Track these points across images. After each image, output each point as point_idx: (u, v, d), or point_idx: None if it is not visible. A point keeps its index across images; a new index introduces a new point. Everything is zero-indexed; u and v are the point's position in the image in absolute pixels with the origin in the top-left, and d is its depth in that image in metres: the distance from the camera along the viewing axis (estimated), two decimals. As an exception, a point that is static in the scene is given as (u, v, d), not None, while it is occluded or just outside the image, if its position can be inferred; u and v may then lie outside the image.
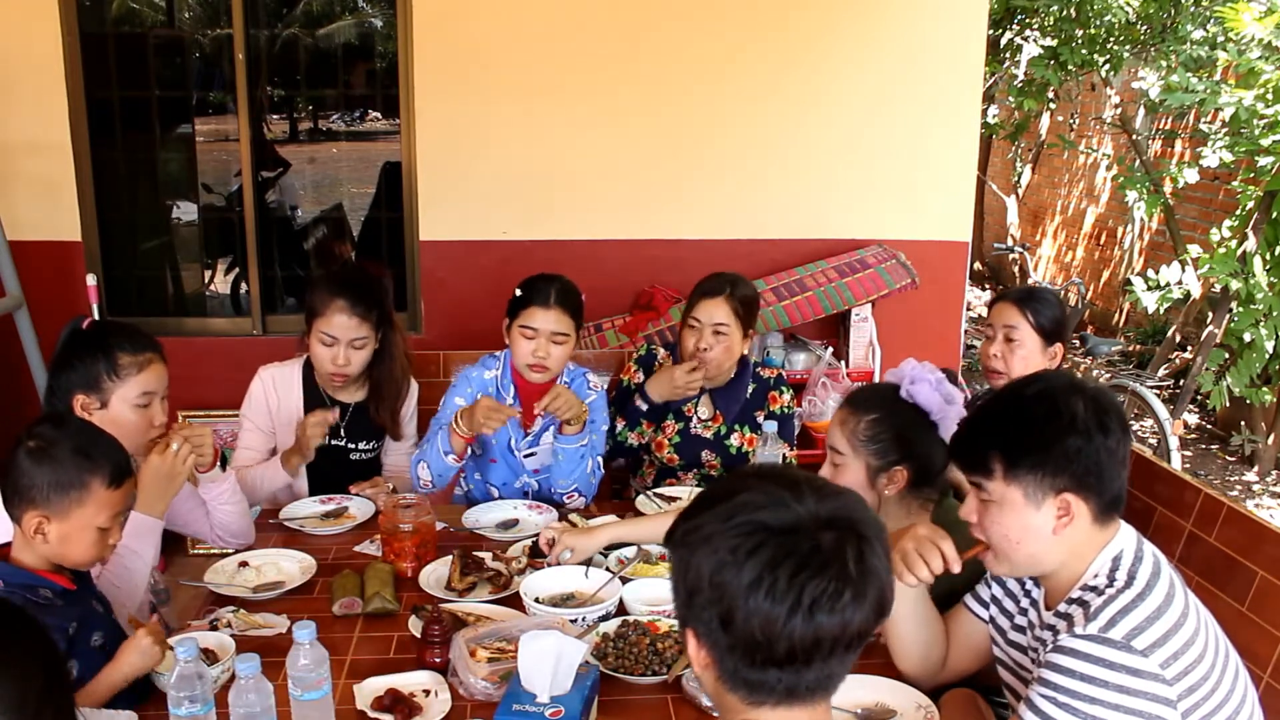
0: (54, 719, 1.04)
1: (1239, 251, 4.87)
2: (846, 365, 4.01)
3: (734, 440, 2.84)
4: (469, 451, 2.71)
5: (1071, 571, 1.55)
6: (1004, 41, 6.98)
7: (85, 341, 2.13)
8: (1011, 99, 7.08)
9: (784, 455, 2.60)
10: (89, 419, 2.07)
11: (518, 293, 2.59)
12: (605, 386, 2.82)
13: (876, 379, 4.01)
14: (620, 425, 2.82)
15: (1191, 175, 5.57)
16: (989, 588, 1.79)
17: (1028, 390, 1.57)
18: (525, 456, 2.70)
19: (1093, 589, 1.52)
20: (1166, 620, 1.43)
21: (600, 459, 2.68)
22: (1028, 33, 6.82)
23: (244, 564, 2.25)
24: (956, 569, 1.65)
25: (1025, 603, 1.70)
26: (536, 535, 2.40)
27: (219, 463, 2.25)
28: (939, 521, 1.97)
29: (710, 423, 2.84)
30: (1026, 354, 2.55)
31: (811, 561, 1.05)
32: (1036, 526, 1.52)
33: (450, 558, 2.19)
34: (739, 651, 1.08)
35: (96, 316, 3.81)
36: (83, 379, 2.10)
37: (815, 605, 1.05)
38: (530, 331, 2.54)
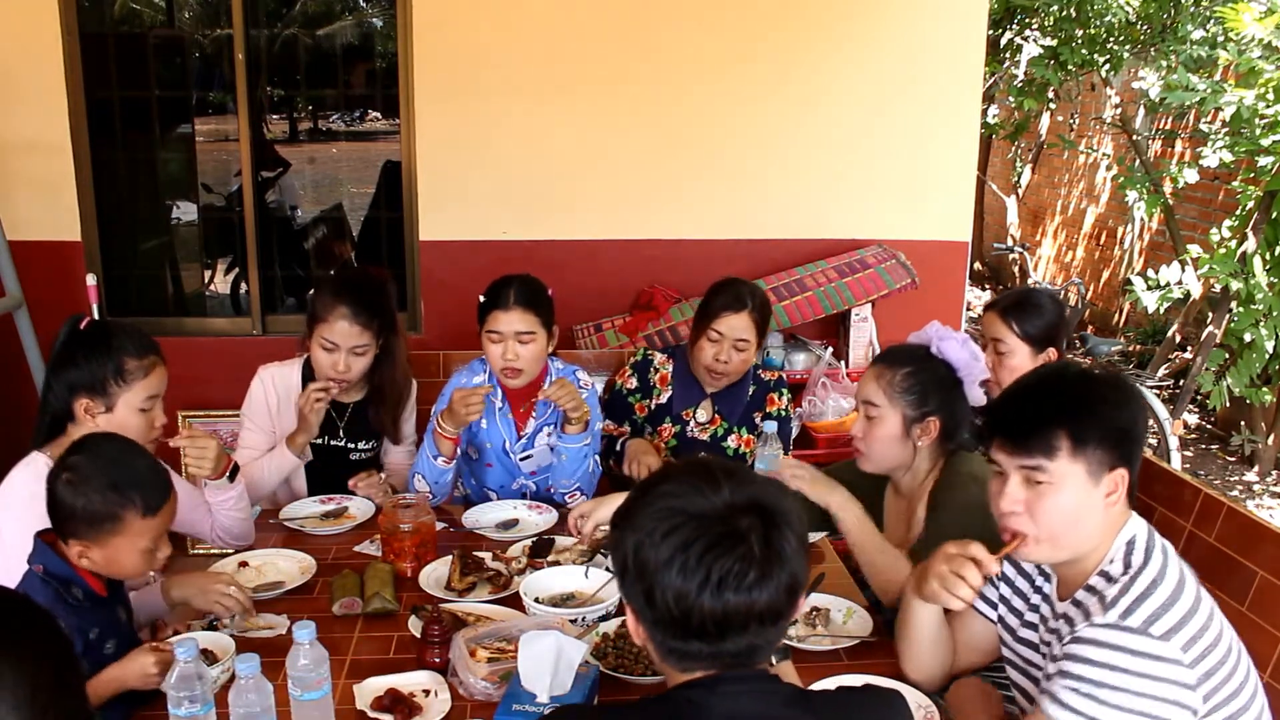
0: (60, 717, 1.03)
1: (1239, 251, 4.87)
2: (846, 365, 4.01)
3: (731, 442, 2.84)
4: (467, 455, 2.71)
5: (1089, 559, 1.56)
6: (1004, 41, 6.98)
7: (88, 343, 2.10)
8: (1011, 99, 7.08)
9: (780, 457, 2.59)
10: (92, 423, 2.07)
11: (481, 299, 2.58)
12: (598, 386, 2.82)
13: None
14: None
15: (1191, 175, 5.57)
16: (995, 588, 1.79)
17: (1068, 372, 1.60)
18: (521, 459, 2.70)
19: (1106, 575, 1.53)
20: (1181, 605, 1.44)
21: (597, 458, 2.68)
22: (1028, 33, 6.82)
23: (244, 564, 2.24)
24: (996, 569, 1.63)
25: (1036, 599, 1.70)
26: (537, 535, 2.41)
27: (230, 472, 2.25)
28: (951, 521, 1.98)
29: (708, 425, 2.84)
30: (1017, 364, 2.55)
31: (721, 543, 1.15)
32: (1091, 506, 1.52)
33: (450, 558, 2.19)
34: (663, 625, 1.19)
35: (96, 316, 3.82)
36: (87, 383, 2.07)
37: (723, 583, 1.14)
38: (496, 335, 2.53)
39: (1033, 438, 1.52)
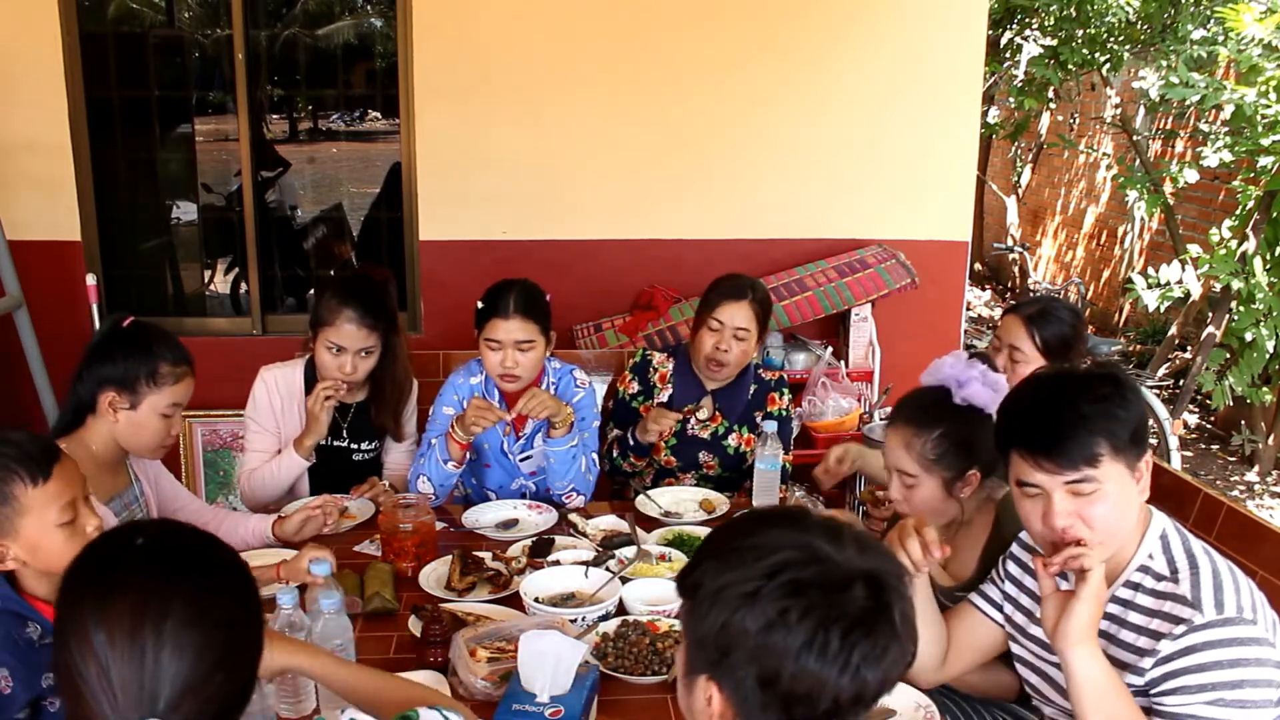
0: (229, 678, 1.07)
1: (1239, 251, 4.88)
2: (846, 365, 4.01)
3: (732, 440, 2.84)
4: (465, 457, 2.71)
5: (1123, 552, 1.57)
6: (1004, 41, 6.98)
7: (129, 341, 2.15)
8: (1011, 99, 7.08)
9: (780, 457, 2.59)
10: (112, 417, 2.12)
11: (480, 305, 2.57)
12: (595, 384, 2.81)
13: (876, 378, 4.01)
14: (616, 452, 2.83)
15: (1191, 175, 5.57)
16: (998, 586, 1.79)
17: (1072, 376, 1.60)
18: (520, 460, 2.70)
19: (1149, 570, 1.55)
20: (1244, 587, 1.49)
21: (594, 456, 2.68)
22: (1028, 32, 6.82)
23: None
24: (937, 554, 1.68)
25: None
26: (537, 535, 2.41)
27: None
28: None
29: (709, 423, 2.84)
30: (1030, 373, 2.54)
31: (862, 622, 1.04)
32: (1131, 498, 1.55)
33: (450, 557, 2.19)
34: (774, 709, 1.06)
35: (96, 316, 3.82)
36: (119, 378, 2.12)
37: (864, 663, 1.03)
38: (494, 343, 2.52)
39: (1073, 452, 1.50)
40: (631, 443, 2.78)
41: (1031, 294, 7.27)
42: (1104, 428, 1.50)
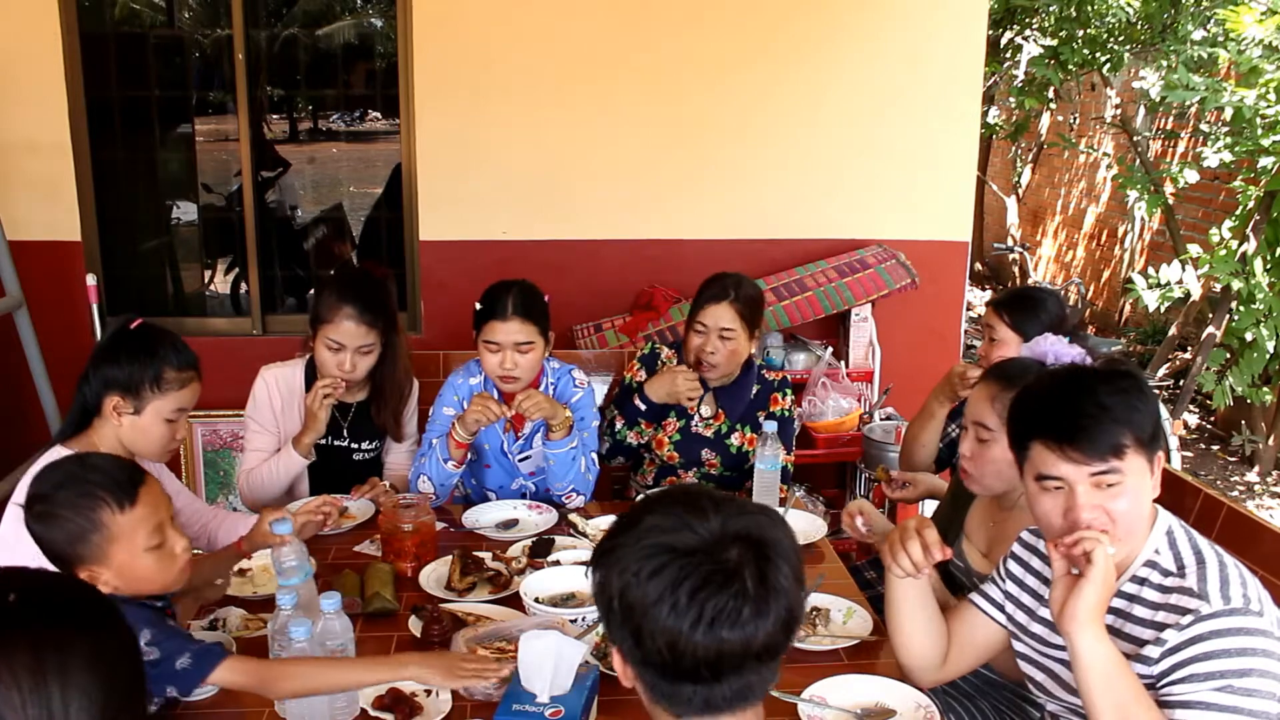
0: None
1: (1239, 252, 4.88)
2: (846, 365, 4.01)
3: (734, 440, 2.84)
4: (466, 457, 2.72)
5: (1130, 548, 1.57)
6: (1004, 41, 6.99)
7: (133, 345, 2.13)
8: (1011, 99, 7.08)
9: (780, 457, 2.59)
10: (117, 421, 2.10)
11: (478, 306, 2.56)
12: (595, 384, 2.81)
13: (877, 379, 4.01)
14: (619, 424, 2.82)
15: (1191, 175, 5.57)
16: (999, 586, 1.79)
17: (1092, 372, 1.60)
18: (520, 460, 2.70)
19: (1155, 566, 1.56)
20: (1250, 581, 1.50)
21: (594, 456, 2.68)
22: (1028, 32, 6.82)
23: (243, 571, 2.23)
24: (938, 556, 1.68)
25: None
26: (537, 535, 2.41)
27: None
28: None
29: (712, 421, 2.84)
30: (1008, 354, 2.55)
31: (712, 580, 1.09)
32: (1148, 494, 1.56)
33: (450, 558, 2.19)
34: (652, 666, 1.13)
35: (97, 316, 3.82)
36: (123, 382, 2.10)
37: (716, 621, 1.08)
38: (493, 345, 2.52)
39: (1101, 441, 1.51)
40: (642, 406, 2.77)
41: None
42: (1127, 419, 1.51)
